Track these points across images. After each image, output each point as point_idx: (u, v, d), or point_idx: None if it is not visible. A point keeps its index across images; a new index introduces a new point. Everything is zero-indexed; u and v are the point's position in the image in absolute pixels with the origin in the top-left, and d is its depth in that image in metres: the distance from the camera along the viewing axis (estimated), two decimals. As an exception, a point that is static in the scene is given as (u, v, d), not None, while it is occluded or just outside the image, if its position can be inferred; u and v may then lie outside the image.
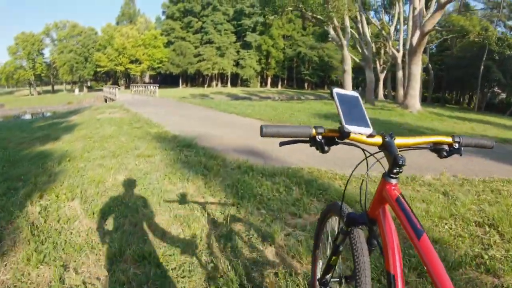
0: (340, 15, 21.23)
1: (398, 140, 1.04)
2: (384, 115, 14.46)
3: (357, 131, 0.97)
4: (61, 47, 60.28)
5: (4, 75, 60.48)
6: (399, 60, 27.51)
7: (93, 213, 2.93)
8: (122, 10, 68.07)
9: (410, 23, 21.62)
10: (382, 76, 34.53)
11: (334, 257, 1.34)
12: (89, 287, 1.94)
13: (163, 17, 71.34)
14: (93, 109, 15.19)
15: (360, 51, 25.23)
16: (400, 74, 26.61)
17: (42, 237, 2.56)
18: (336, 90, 1.04)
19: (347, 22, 23.18)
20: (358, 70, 34.34)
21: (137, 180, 3.82)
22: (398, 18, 30.49)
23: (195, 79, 70.77)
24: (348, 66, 23.26)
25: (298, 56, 61.32)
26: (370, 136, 1.00)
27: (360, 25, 25.54)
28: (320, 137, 1.00)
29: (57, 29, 62.42)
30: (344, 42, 22.96)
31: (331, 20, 21.73)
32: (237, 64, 63.92)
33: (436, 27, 17.28)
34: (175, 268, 2.10)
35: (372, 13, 36.09)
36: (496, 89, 39.53)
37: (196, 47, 62.28)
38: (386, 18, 40.04)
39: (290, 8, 23.32)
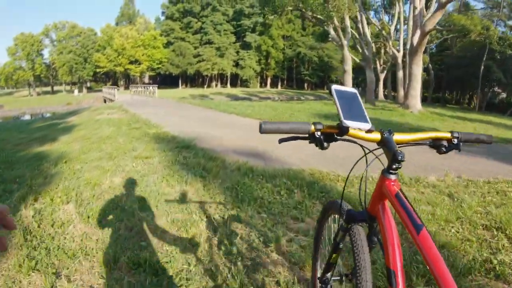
0: (340, 15, 21.16)
1: (397, 136, 1.04)
2: (385, 115, 14.38)
3: (356, 126, 0.97)
4: (60, 48, 60.17)
5: (3, 76, 60.41)
6: (400, 60, 27.46)
7: (88, 217, 2.84)
8: (121, 11, 67.99)
9: (411, 22, 21.58)
10: (382, 76, 34.43)
11: (334, 255, 1.33)
12: (81, 296, 1.85)
13: (162, 18, 71.32)
14: (92, 110, 15.11)
15: (361, 51, 25.15)
16: (400, 74, 26.56)
17: (35, 242, 2.47)
18: (334, 86, 1.03)
19: (348, 22, 23.10)
20: (358, 70, 34.26)
21: (134, 182, 3.73)
22: (398, 18, 30.44)
23: (195, 79, 70.69)
24: (349, 66, 23.18)
25: (297, 56, 61.27)
26: (369, 131, 0.99)
27: (360, 25, 25.48)
28: (319, 133, 0.99)
29: (56, 30, 62.36)
30: (345, 42, 22.88)
31: (331, 19, 21.66)
32: (236, 64, 63.85)
33: (437, 27, 17.21)
34: (172, 276, 2.00)
35: (372, 13, 36.07)
36: (496, 89, 39.46)
37: (195, 48, 62.21)
38: (386, 18, 40.03)
39: (290, 8, 23.22)
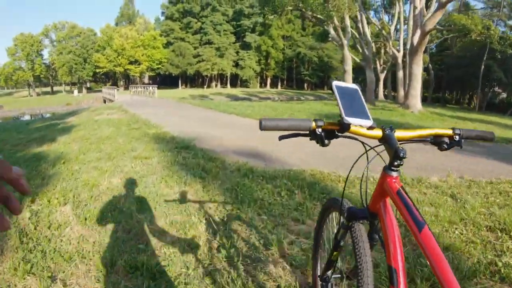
0: (340, 14, 21.12)
1: (398, 133, 1.04)
2: (385, 115, 14.34)
3: (358, 123, 0.96)
4: (60, 48, 60.11)
5: (3, 76, 60.40)
6: (400, 60, 27.42)
7: (85, 219, 2.79)
8: (121, 11, 67.96)
9: (411, 22, 21.54)
10: (382, 76, 34.40)
11: (335, 253, 1.32)
12: (77, 301, 1.80)
13: (162, 18, 71.27)
14: (91, 110, 15.06)
15: (361, 51, 25.11)
16: (400, 74, 26.53)
17: (31, 245, 2.43)
18: (335, 82, 1.03)
19: (348, 22, 23.06)
20: (358, 70, 34.21)
21: (133, 183, 3.68)
22: (398, 18, 30.41)
23: (195, 80, 70.63)
24: (349, 66, 23.12)
25: (297, 56, 61.22)
26: (370, 128, 0.98)
27: (360, 25, 25.44)
28: (320, 130, 0.98)
29: (56, 30, 62.33)
30: (345, 42, 22.84)
31: (331, 19, 21.61)
32: (236, 64, 63.80)
33: (437, 27, 17.18)
34: (170, 280, 1.95)
35: (372, 13, 36.04)
36: (496, 89, 39.40)
37: (195, 48, 62.16)
38: (386, 18, 40.00)
39: (290, 8, 23.17)
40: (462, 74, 35.28)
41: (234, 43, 63.20)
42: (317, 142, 0.99)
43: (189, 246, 2.32)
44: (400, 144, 0.98)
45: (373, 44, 28.44)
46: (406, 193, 0.92)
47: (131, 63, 57.17)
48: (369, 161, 1.08)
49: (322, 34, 30.19)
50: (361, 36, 25.58)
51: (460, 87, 42.64)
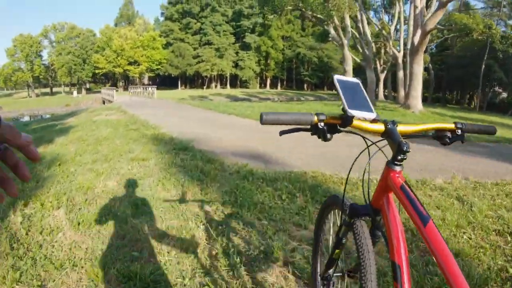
0: (340, 14, 21.03)
1: (401, 127, 1.03)
2: (386, 116, 14.25)
3: (361, 116, 0.95)
4: (59, 49, 60.01)
5: (2, 77, 60.29)
6: (400, 60, 27.33)
7: (79, 224, 2.68)
8: (120, 12, 67.89)
9: (411, 22, 21.45)
10: (382, 77, 34.32)
11: (337, 251, 1.31)
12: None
13: (161, 19, 71.24)
14: (90, 111, 14.97)
15: (361, 51, 25.04)
16: (401, 74, 26.45)
17: (21, 251, 2.32)
18: (337, 76, 1.02)
19: (348, 21, 22.97)
20: (358, 71, 34.11)
21: (129, 186, 3.57)
22: (398, 18, 30.34)
23: (194, 80, 70.52)
24: (349, 67, 23.02)
25: (297, 57, 61.14)
26: (374, 120, 0.97)
27: (360, 24, 25.37)
28: (322, 124, 0.96)
29: (55, 31, 62.21)
30: (345, 42, 22.75)
31: (331, 19, 21.52)
32: (236, 65, 63.71)
33: (438, 26, 17.10)
34: (165, 291, 1.84)
35: (372, 13, 35.98)
36: (497, 89, 39.31)
37: (195, 49, 62.06)
38: (385, 18, 39.95)
39: (290, 8, 23.10)
40: (463, 74, 35.18)
41: (233, 43, 63.12)
42: (319, 137, 0.98)
43: (185, 253, 2.20)
44: (403, 138, 0.96)
45: (373, 44, 28.35)
46: (410, 188, 0.90)
47: (130, 64, 57.08)
48: (371, 156, 1.07)
49: (322, 34, 30.10)
50: (361, 36, 25.50)
51: (460, 87, 42.55)
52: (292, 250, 2.22)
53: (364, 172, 1.07)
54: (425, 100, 32.28)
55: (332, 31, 22.94)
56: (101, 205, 3.07)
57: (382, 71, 34.36)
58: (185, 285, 1.88)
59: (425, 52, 21.49)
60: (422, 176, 4.19)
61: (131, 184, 3.62)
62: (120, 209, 2.91)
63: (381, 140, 1.03)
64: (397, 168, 0.95)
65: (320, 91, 63.57)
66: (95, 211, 2.92)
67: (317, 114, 0.96)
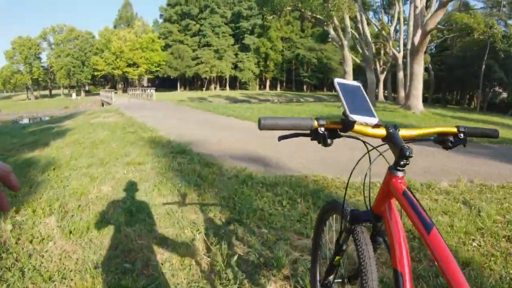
0: (340, 14, 20.91)
1: (402, 132, 1.00)
2: (387, 117, 14.16)
3: (363, 121, 0.93)
4: (58, 51, 59.92)
5: (1, 79, 60.22)
6: (400, 61, 27.23)
7: (70, 232, 2.57)
8: (119, 14, 67.86)
9: (411, 22, 21.35)
10: (382, 77, 34.19)
11: (337, 257, 1.27)
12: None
13: (160, 20, 71.20)
14: (88, 114, 14.86)
15: (361, 51, 24.94)
16: (401, 74, 26.35)
17: (9, 262, 2.22)
18: (337, 80, 0.99)
19: (348, 22, 22.86)
20: (358, 71, 34.05)
21: (123, 191, 3.45)
22: (398, 18, 30.26)
23: (193, 82, 70.39)
24: (349, 67, 22.88)
25: (296, 58, 61.08)
26: (376, 126, 0.95)
27: (360, 25, 25.27)
28: (322, 129, 0.94)
29: (54, 33, 62.10)
30: (345, 42, 22.63)
31: (331, 19, 21.41)
32: (235, 67, 63.61)
33: (439, 26, 17.02)
34: (158, 306, 1.72)
35: (371, 14, 35.94)
36: (497, 89, 39.22)
37: (194, 50, 61.98)
38: (385, 18, 39.89)
39: (289, 8, 22.97)
40: (463, 74, 35.08)
41: (233, 45, 63.04)
42: (319, 142, 0.96)
43: (181, 265, 2.08)
44: (405, 142, 0.94)
45: (372, 45, 28.25)
46: (413, 194, 0.88)
47: (129, 65, 57.00)
48: (372, 161, 1.04)
49: (321, 35, 30.07)
50: (361, 37, 25.40)
51: (460, 87, 42.44)
52: (294, 261, 2.09)
53: (365, 177, 1.04)
54: (425, 100, 32.19)
55: (332, 32, 22.83)
56: (95, 212, 2.95)
57: (382, 72, 34.25)
58: (179, 300, 1.76)
59: (425, 52, 21.43)
60: (426, 179, 4.08)
61: (126, 190, 3.50)
62: (113, 217, 2.79)
63: (383, 144, 1.00)
64: (400, 174, 0.93)
65: (320, 92, 63.48)
66: (88, 218, 2.80)
67: (317, 119, 0.94)
